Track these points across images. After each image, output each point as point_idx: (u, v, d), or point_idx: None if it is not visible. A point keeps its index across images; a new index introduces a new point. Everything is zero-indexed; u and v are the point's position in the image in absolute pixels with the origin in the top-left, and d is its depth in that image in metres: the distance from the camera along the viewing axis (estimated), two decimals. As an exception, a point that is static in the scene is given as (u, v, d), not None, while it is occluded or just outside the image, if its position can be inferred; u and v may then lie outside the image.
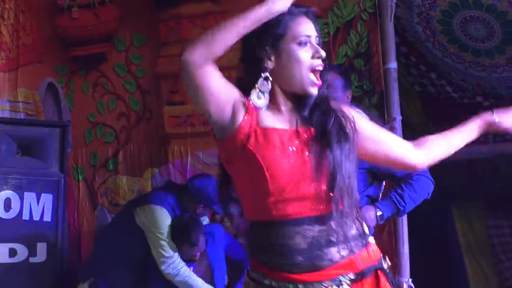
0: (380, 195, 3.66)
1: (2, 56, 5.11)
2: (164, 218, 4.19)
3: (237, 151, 2.08)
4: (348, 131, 2.14)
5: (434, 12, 4.54)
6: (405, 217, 4.17)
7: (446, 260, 5.65)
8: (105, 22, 5.31)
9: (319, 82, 2.14)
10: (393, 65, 4.38)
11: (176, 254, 4.19)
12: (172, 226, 4.20)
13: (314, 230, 2.04)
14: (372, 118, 2.34)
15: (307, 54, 2.13)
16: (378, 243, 2.24)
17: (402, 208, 3.49)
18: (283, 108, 2.16)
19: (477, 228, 5.67)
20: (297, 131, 2.11)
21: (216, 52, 1.99)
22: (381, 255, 2.20)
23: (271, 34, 2.11)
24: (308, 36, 2.14)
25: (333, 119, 2.14)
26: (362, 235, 2.11)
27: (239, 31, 2.01)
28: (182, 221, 4.25)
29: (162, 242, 4.17)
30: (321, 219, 2.05)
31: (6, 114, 5.04)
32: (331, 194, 2.06)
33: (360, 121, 2.23)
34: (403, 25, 4.69)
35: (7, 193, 4.37)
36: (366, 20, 4.53)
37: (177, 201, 4.28)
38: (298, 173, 2.04)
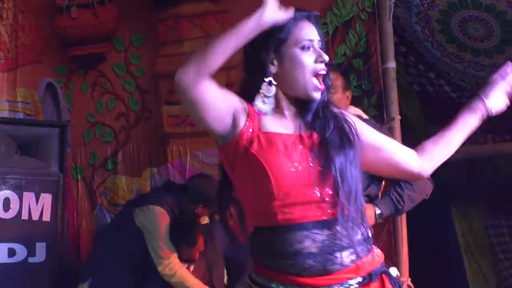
0: (379, 194, 3.66)
1: (0, 56, 5.10)
2: (163, 219, 4.19)
3: (239, 157, 2.07)
4: (351, 136, 2.14)
5: (433, 11, 4.54)
6: (404, 217, 4.17)
7: (445, 260, 5.65)
8: (104, 22, 5.31)
9: (322, 87, 2.13)
10: (391, 64, 4.38)
11: (174, 255, 4.19)
12: (171, 226, 4.20)
13: (323, 234, 2.03)
14: (370, 122, 2.33)
15: (310, 59, 2.12)
16: (378, 243, 2.24)
17: (401, 208, 3.49)
18: (286, 112, 2.16)
19: (477, 228, 5.67)
20: (300, 136, 2.11)
21: (209, 70, 1.97)
22: (384, 258, 2.20)
23: (274, 39, 2.10)
24: (311, 40, 2.14)
25: (336, 124, 2.14)
26: (367, 240, 2.11)
27: (231, 47, 1.98)
28: (180, 221, 4.25)
29: (160, 243, 4.18)
30: (328, 224, 2.04)
31: (5, 114, 5.04)
32: (336, 199, 2.05)
33: (362, 128, 2.22)
34: (401, 24, 4.69)
35: (6, 193, 4.36)
36: (365, 20, 4.53)
37: (176, 201, 4.28)
38: (303, 177, 2.04)
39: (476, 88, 4.95)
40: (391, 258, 4.06)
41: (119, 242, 4.28)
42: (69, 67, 5.33)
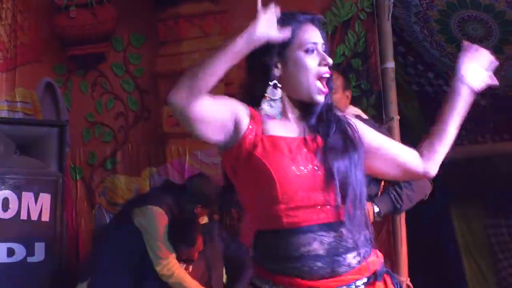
0: (379, 193, 3.66)
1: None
2: (161, 219, 4.19)
3: (242, 160, 2.07)
4: (354, 140, 2.14)
5: (432, 11, 4.54)
6: (403, 217, 4.17)
7: (445, 260, 5.65)
8: (103, 22, 5.31)
9: (326, 90, 2.13)
10: (390, 64, 4.38)
11: (172, 255, 4.18)
12: (170, 227, 4.20)
13: (329, 236, 2.03)
14: (370, 122, 2.33)
15: (313, 62, 2.12)
16: (377, 242, 2.25)
17: (399, 206, 3.50)
18: (290, 115, 2.16)
19: (476, 228, 5.66)
20: (304, 139, 2.11)
21: (202, 91, 1.95)
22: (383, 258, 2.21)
23: (278, 42, 2.10)
24: (315, 43, 2.14)
25: (339, 128, 2.14)
26: (369, 241, 2.12)
27: (222, 67, 1.96)
28: (179, 221, 4.25)
29: (159, 244, 4.17)
30: (333, 226, 2.05)
31: (4, 114, 5.04)
32: (341, 202, 2.06)
33: (366, 131, 2.23)
34: (400, 24, 4.69)
35: (5, 192, 4.36)
36: (364, 20, 4.53)
37: (175, 201, 4.28)
38: (308, 181, 2.04)
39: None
40: (390, 258, 4.06)
41: (118, 242, 4.28)
42: (68, 67, 5.33)
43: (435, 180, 3.48)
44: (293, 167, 2.03)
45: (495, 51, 4.58)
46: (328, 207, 2.05)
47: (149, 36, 5.23)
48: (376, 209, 3.48)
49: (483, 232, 5.65)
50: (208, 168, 4.83)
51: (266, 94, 2.12)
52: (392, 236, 4.19)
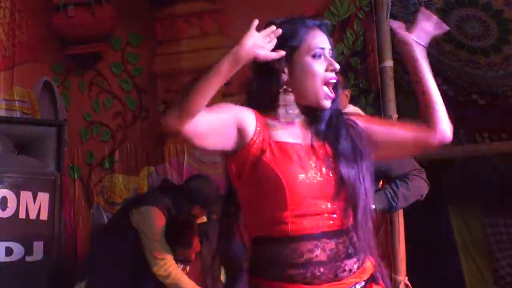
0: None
1: (-2, 55, 5.12)
2: (158, 220, 4.18)
3: (248, 165, 2.06)
4: (363, 148, 2.13)
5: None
6: (401, 216, 4.18)
7: (443, 259, 5.66)
8: (101, 21, 5.31)
9: (333, 95, 2.13)
10: (389, 63, 4.38)
11: (169, 256, 4.18)
12: (167, 227, 4.19)
13: (331, 243, 2.04)
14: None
15: (321, 67, 2.12)
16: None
17: (394, 205, 3.49)
18: (296, 121, 2.15)
19: (474, 227, 5.67)
20: (312, 146, 2.10)
21: (194, 113, 1.93)
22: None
23: (286, 47, 2.09)
24: (322, 49, 2.13)
25: (348, 135, 2.13)
26: (366, 246, 2.12)
27: (210, 90, 1.94)
28: (177, 222, 4.24)
29: (155, 244, 4.17)
30: (336, 234, 2.05)
31: (2, 113, 5.04)
32: (348, 211, 2.07)
33: (369, 127, 2.21)
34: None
35: (3, 191, 4.35)
36: (362, 19, 4.53)
37: (173, 202, 4.27)
38: (316, 189, 2.04)
39: (473, 86, 4.96)
40: (389, 257, 4.06)
41: (116, 241, 4.28)
42: (66, 66, 5.33)
43: (434, 179, 3.50)
44: (303, 174, 2.03)
45: (493, 50, 4.63)
46: (335, 215, 2.06)
47: (146, 36, 5.23)
48: (372, 206, 3.48)
49: (481, 231, 5.66)
50: (206, 167, 4.83)
51: (279, 102, 2.11)
52: (391, 235, 4.19)
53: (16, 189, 4.39)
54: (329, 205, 2.05)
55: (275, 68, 2.10)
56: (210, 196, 4.27)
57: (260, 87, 2.14)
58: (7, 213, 4.35)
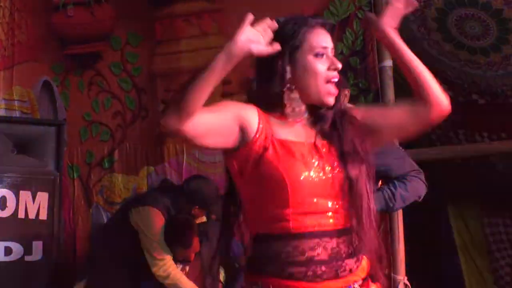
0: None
1: (-3, 55, 5.12)
2: (158, 221, 4.18)
3: (251, 162, 2.05)
4: (365, 150, 2.13)
5: (429, 10, 4.54)
6: (401, 216, 4.18)
7: (442, 259, 5.66)
8: (100, 21, 5.31)
9: (335, 91, 2.12)
10: (388, 63, 4.38)
11: (168, 256, 4.18)
12: (166, 228, 4.19)
13: (333, 242, 2.04)
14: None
15: (323, 66, 2.11)
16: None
17: (391, 205, 3.48)
18: (298, 120, 2.14)
19: (473, 227, 5.66)
20: (315, 145, 2.10)
21: (192, 112, 1.92)
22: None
23: (288, 45, 2.09)
24: (325, 48, 2.12)
25: (350, 135, 2.13)
26: (363, 246, 2.12)
27: (208, 86, 1.93)
28: (176, 222, 4.24)
29: (154, 244, 4.17)
30: (337, 233, 2.06)
31: (2, 113, 5.06)
32: (350, 211, 2.07)
33: (367, 116, 2.19)
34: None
35: (2, 191, 4.36)
36: (362, 18, 4.53)
37: (172, 202, 4.27)
38: (318, 188, 2.04)
39: (472, 86, 4.95)
40: (388, 257, 4.06)
41: (116, 241, 4.28)
42: (65, 65, 5.33)
43: (433, 179, 3.49)
44: (306, 172, 2.03)
45: (493, 49, 4.62)
46: (337, 214, 2.06)
47: (146, 35, 5.23)
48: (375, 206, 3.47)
49: (480, 231, 5.65)
50: (205, 166, 4.84)
51: (285, 102, 2.10)
52: (390, 235, 4.19)
53: (15, 189, 4.40)
54: (330, 204, 2.05)
55: (279, 67, 2.09)
56: (209, 196, 4.26)
57: (264, 87, 2.13)
58: (6, 212, 4.36)
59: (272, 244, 2.05)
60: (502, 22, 4.42)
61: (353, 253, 2.07)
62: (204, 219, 4.50)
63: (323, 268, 2.02)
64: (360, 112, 2.21)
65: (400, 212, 4.09)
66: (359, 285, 2.10)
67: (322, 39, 2.13)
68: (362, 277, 2.12)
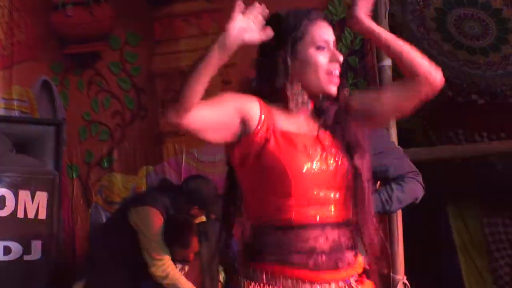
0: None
1: (-4, 54, 5.12)
2: (156, 220, 4.19)
3: (252, 153, 2.05)
4: (364, 144, 2.15)
5: (428, 10, 4.54)
6: (400, 216, 4.18)
7: (441, 259, 5.66)
8: (100, 20, 5.31)
9: (337, 81, 2.13)
10: (387, 62, 4.37)
11: (167, 257, 4.17)
12: (165, 227, 4.19)
13: (334, 234, 2.06)
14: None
15: (324, 58, 2.11)
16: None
17: (388, 208, 3.48)
18: (301, 111, 2.15)
19: (472, 227, 5.66)
20: (318, 137, 2.11)
21: (191, 105, 1.92)
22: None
23: (290, 37, 2.09)
24: (327, 41, 2.13)
25: (352, 128, 2.14)
26: (360, 241, 2.15)
27: (204, 79, 1.93)
28: (175, 222, 4.24)
29: (153, 244, 4.17)
30: (339, 225, 2.07)
31: (1, 112, 5.06)
32: (351, 202, 2.09)
33: (361, 101, 2.21)
34: (397, 23, 4.69)
35: (2, 190, 4.36)
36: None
37: (171, 202, 4.27)
38: (321, 179, 2.05)
39: (472, 86, 4.95)
40: (387, 256, 4.06)
41: (115, 241, 4.28)
42: (65, 65, 5.33)
43: (432, 179, 3.49)
44: (308, 164, 2.03)
45: (492, 49, 4.62)
46: (339, 206, 2.08)
47: (145, 35, 5.23)
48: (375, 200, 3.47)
49: (479, 231, 5.65)
50: (204, 166, 4.84)
51: (288, 94, 2.11)
52: (389, 234, 4.19)
53: (15, 188, 4.40)
54: (332, 196, 2.07)
55: (281, 60, 2.09)
56: (208, 196, 4.27)
57: (266, 80, 2.14)
58: (5, 212, 4.36)
59: (274, 233, 2.06)
60: (501, 21, 4.41)
61: (353, 246, 2.09)
62: (203, 218, 4.50)
63: (324, 258, 2.03)
64: (355, 100, 2.22)
65: (399, 212, 4.09)
66: (355, 280, 2.12)
67: (324, 32, 2.14)
68: (358, 273, 2.13)
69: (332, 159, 2.08)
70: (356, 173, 2.09)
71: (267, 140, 2.04)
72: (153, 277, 4.17)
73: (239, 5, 1.99)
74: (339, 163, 2.09)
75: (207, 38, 4.98)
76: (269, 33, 2.02)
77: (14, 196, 4.39)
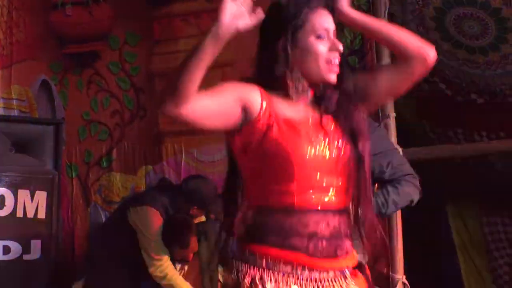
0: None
1: (-5, 53, 5.12)
2: (155, 220, 4.19)
3: (255, 140, 2.06)
4: (366, 132, 2.16)
5: (427, 9, 4.54)
6: (399, 215, 4.18)
7: (440, 258, 5.66)
8: (99, 20, 5.31)
9: (337, 69, 2.12)
10: (387, 62, 4.38)
11: (166, 257, 4.17)
12: (164, 228, 4.19)
13: (335, 220, 2.07)
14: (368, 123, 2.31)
15: (324, 47, 2.11)
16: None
17: (384, 211, 3.48)
18: (302, 98, 2.15)
19: (472, 226, 5.66)
20: (321, 123, 2.12)
21: (187, 95, 1.92)
22: None
23: (290, 25, 2.09)
24: (327, 29, 2.13)
25: (353, 114, 2.15)
26: (355, 234, 2.15)
27: (199, 69, 1.93)
28: (174, 221, 4.24)
29: (152, 244, 4.17)
30: (339, 212, 2.09)
31: (0, 112, 5.04)
32: (352, 189, 2.11)
33: (362, 85, 2.21)
34: (397, 22, 4.68)
35: (1, 190, 4.36)
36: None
37: (170, 202, 4.27)
38: (323, 164, 2.07)
39: (471, 85, 4.95)
40: (386, 256, 4.06)
41: (114, 241, 4.28)
42: (64, 64, 5.33)
43: (431, 179, 3.48)
44: (312, 150, 2.04)
45: (491, 49, 4.62)
46: (340, 192, 2.09)
47: (144, 35, 5.23)
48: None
49: (479, 230, 5.65)
50: (204, 166, 4.84)
51: (288, 82, 2.11)
52: (388, 234, 4.19)
53: (14, 188, 4.40)
54: (335, 182, 2.08)
55: (281, 48, 2.09)
56: (208, 196, 4.27)
57: (266, 68, 2.13)
58: (5, 211, 4.36)
59: (275, 216, 2.07)
60: (500, 21, 4.41)
61: (350, 236, 2.11)
62: (203, 218, 4.50)
63: (324, 243, 2.04)
64: (359, 83, 2.22)
65: (399, 211, 4.09)
66: (349, 272, 2.12)
67: (325, 20, 2.14)
68: (352, 265, 2.14)
69: (335, 146, 2.09)
70: (359, 160, 2.11)
71: (269, 127, 2.04)
72: (152, 277, 4.17)
73: None
74: (342, 150, 2.10)
75: (206, 38, 4.98)
76: (260, 15, 2.01)
77: (14, 195, 4.39)
